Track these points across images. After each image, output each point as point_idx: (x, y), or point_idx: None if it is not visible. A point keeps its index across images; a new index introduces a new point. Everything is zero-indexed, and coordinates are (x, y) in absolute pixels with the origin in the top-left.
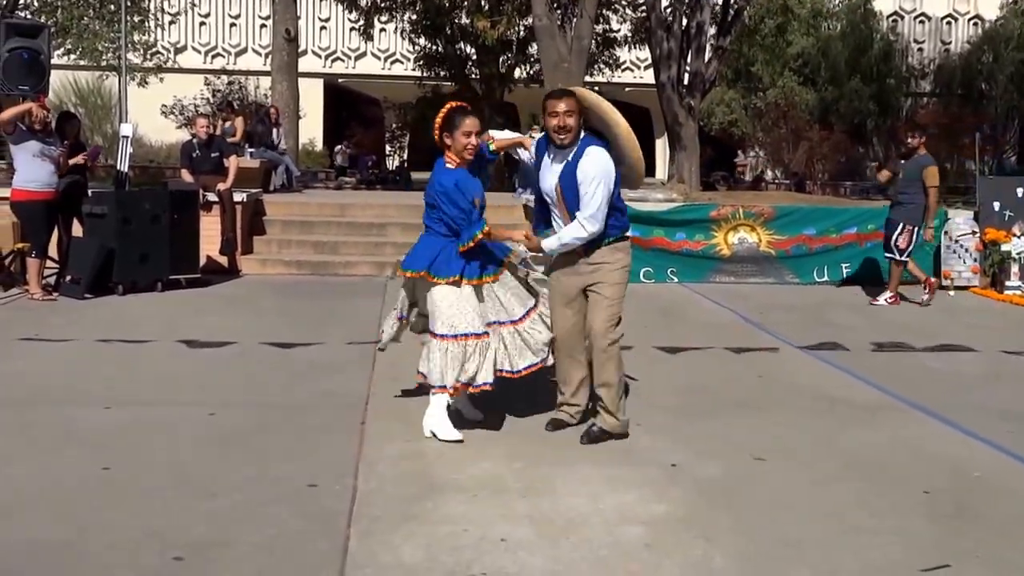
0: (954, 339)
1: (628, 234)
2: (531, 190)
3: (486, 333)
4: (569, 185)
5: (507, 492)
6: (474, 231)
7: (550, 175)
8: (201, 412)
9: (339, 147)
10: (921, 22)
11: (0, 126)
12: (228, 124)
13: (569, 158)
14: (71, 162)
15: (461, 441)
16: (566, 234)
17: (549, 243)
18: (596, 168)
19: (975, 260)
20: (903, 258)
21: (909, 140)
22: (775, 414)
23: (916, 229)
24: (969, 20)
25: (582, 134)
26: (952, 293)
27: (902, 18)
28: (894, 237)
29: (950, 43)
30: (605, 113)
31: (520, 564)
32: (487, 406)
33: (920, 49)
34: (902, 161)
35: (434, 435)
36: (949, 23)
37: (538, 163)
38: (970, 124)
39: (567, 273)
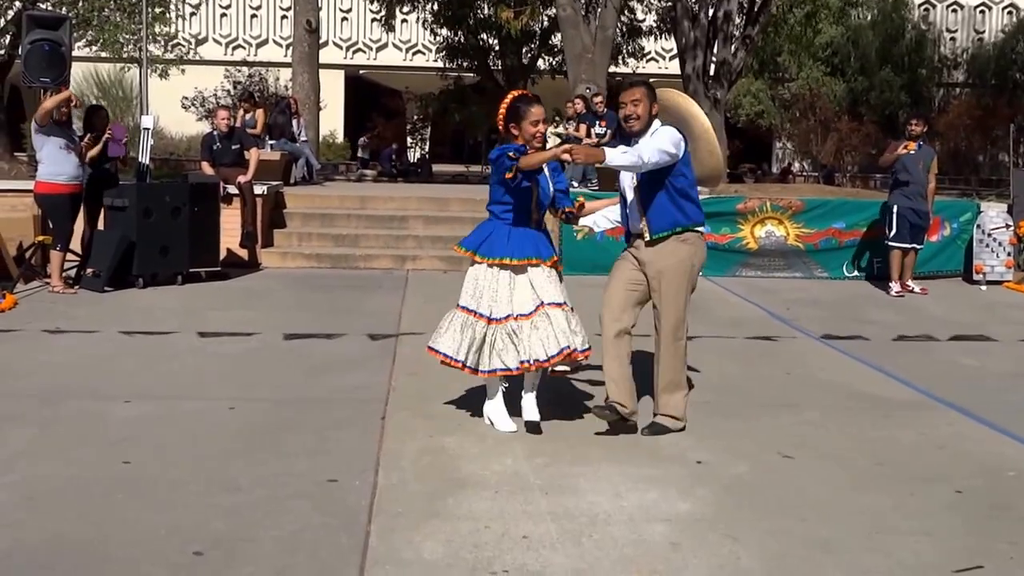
0: (987, 334)
1: (701, 229)
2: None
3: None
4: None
5: (529, 489)
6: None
7: None
8: (222, 406)
9: (363, 139)
10: (954, 11)
11: (40, 117)
12: (249, 116)
13: (648, 141)
14: (92, 152)
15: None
16: (620, 151)
17: (611, 152)
18: (665, 134)
19: (1008, 254)
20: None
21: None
22: (803, 411)
23: None
24: (1003, 8)
25: (656, 123)
26: (985, 288)
27: (934, 7)
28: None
29: (983, 32)
30: (688, 108)
31: (542, 562)
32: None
33: (953, 38)
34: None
35: (491, 423)
36: (983, 11)
37: None
38: (1004, 116)
39: (630, 256)
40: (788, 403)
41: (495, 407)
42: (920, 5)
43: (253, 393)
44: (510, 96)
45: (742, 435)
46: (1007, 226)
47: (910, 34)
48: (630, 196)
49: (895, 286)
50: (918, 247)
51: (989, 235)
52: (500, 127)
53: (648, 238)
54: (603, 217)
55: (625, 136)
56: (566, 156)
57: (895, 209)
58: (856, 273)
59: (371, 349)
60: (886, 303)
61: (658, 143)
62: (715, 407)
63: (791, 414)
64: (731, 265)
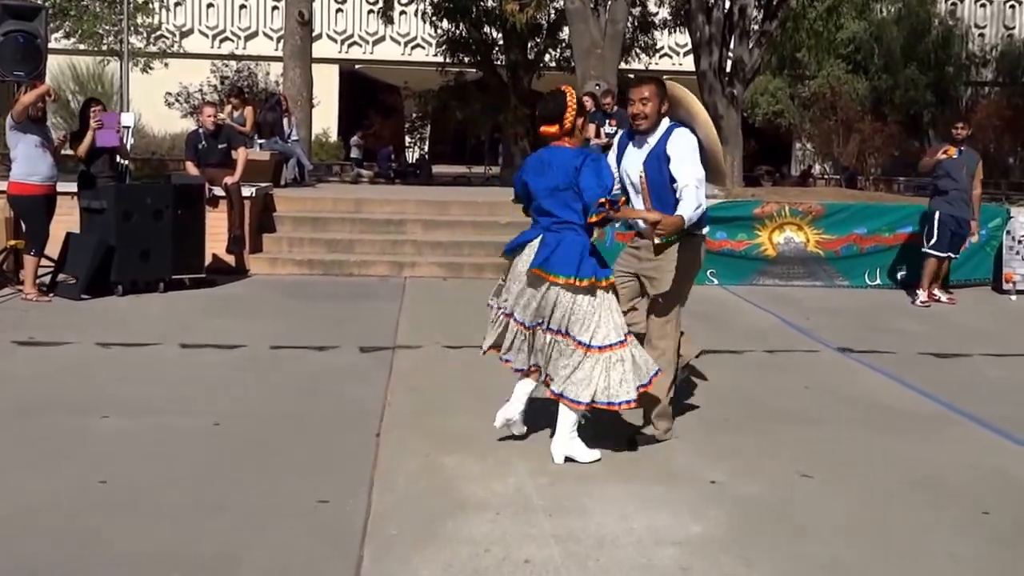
0: (1017, 346)
1: (705, 231)
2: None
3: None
4: (655, 168)
5: (532, 510)
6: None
7: (633, 161)
8: (206, 421)
9: (356, 138)
10: (982, 6)
11: (17, 114)
12: (237, 113)
13: (653, 143)
14: (83, 146)
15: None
16: (690, 205)
17: (685, 210)
18: (687, 143)
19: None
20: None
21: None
22: (822, 427)
23: None
24: None
25: (666, 122)
26: (1015, 297)
27: (962, 1)
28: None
29: (1014, 28)
30: (691, 106)
31: None
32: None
33: (981, 35)
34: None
35: (571, 460)
36: (1013, 7)
37: (621, 153)
38: None
39: (626, 262)
40: (807, 418)
41: (577, 441)
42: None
43: (240, 408)
44: (573, 92)
45: (758, 452)
46: None
47: (936, 30)
48: (635, 197)
49: (922, 295)
50: (954, 256)
51: (1020, 242)
52: (569, 121)
53: (658, 241)
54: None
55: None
56: (650, 224)
57: (936, 216)
58: (879, 281)
59: (366, 362)
60: (911, 313)
61: (692, 170)
62: (730, 423)
63: (810, 430)
64: (748, 273)
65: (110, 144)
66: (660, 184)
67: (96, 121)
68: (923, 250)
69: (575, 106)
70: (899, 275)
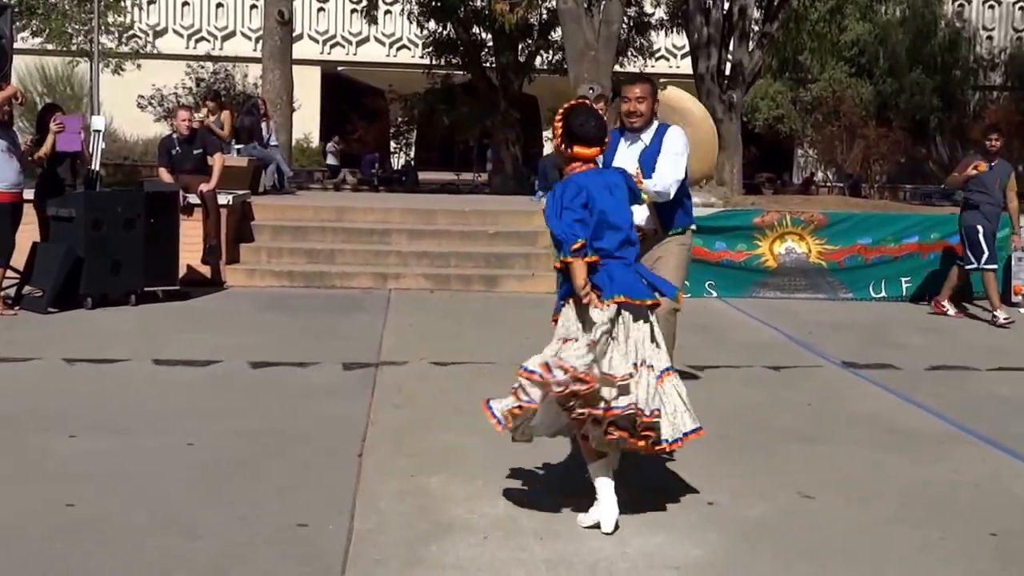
0: None
1: (695, 227)
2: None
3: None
4: (652, 166)
5: (522, 534)
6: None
7: (626, 159)
8: (180, 441)
9: (331, 143)
10: (991, 7)
11: None
12: (214, 118)
13: (647, 141)
14: (42, 151)
15: None
16: (654, 183)
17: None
18: (681, 140)
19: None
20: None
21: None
22: (826, 446)
23: None
24: None
25: (656, 121)
26: (1023, 310)
27: (969, 3)
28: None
29: (1023, 31)
30: (687, 113)
31: None
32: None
33: (989, 37)
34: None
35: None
36: (1022, 8)
37: (612, 152)
38: None
39: None
40: (809, 437)
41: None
42: (954, 1)
43: (215, 427)
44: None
45: (758, 473)
46: None
47: (943, 32)
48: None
49: (1001, 314)
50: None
51: None
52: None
53: (661, 235)
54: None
55: (625, 129)
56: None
57: (980, 231)
58: (884, 294)
59: (348, 378)
60: (917, 327)
61: (681, 165)
62: (729, 441)
63: (813, 449)
64: (748, 285)
65: (71, 149)
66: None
67: (57, 124)
68: (958, 263)
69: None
70: (905, 287)
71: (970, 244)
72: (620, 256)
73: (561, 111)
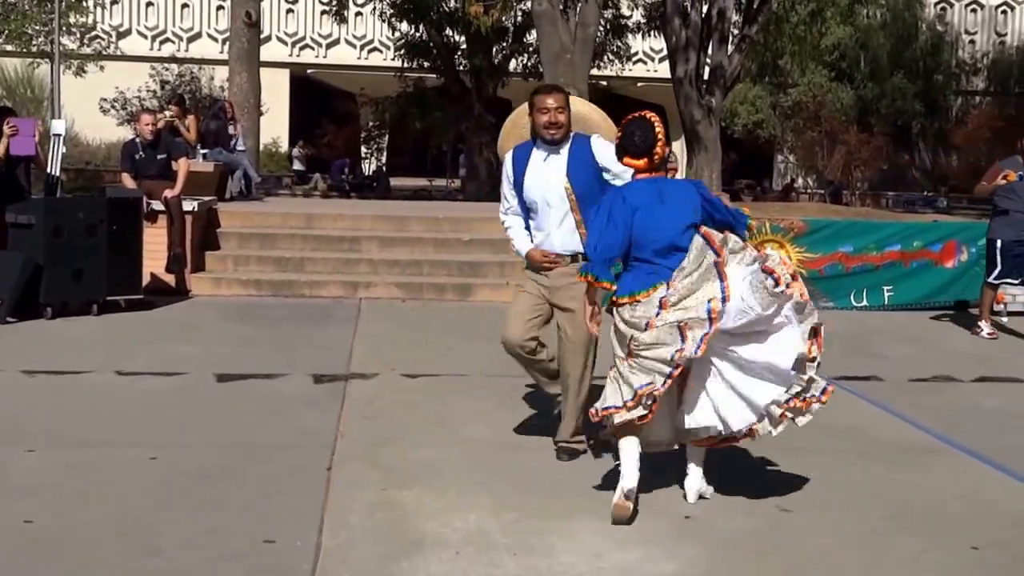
0: (1010, 373)
1: None
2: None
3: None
4: (586, 178)
5: (495, 549)
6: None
7: (549, 175)
8: (142, 455)
9: (297, 148)
10: (973, 10)
11: None
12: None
13: (565, 153)
14: None
15: None
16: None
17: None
18: (607, 150)
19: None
20: None
21: None
22: (806, 458)
23: None
24: None
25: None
26: (1006, 319)
27: (951, 6)
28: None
29: (1006, 35)
30: (594, 123)
31: None
32: (473, 450)
33: (972, 41)
34: None
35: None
36: (1005, 12)
37: (520, 172)
38: None
39: (537, 278)
40: (789, 448)
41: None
42: (936, 4)
43: (180, 440)
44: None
45: (736, 485)
46: None
47: (925, 36)
48: (547, 212)
49: (986, 327)
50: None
51: None
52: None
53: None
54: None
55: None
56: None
57: (999, 244)
58: (865, 303)
59: (317, 390)
60: (899, 337)
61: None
62: (706, 454)
63: (792, 461)
64: None
65: (25, 153)
66: (594, 194)
67: (11, 127)
68: (988, 280)
69: (664, 136)
70: (887, 296)
71: (988, 255)
72: (653, 262)
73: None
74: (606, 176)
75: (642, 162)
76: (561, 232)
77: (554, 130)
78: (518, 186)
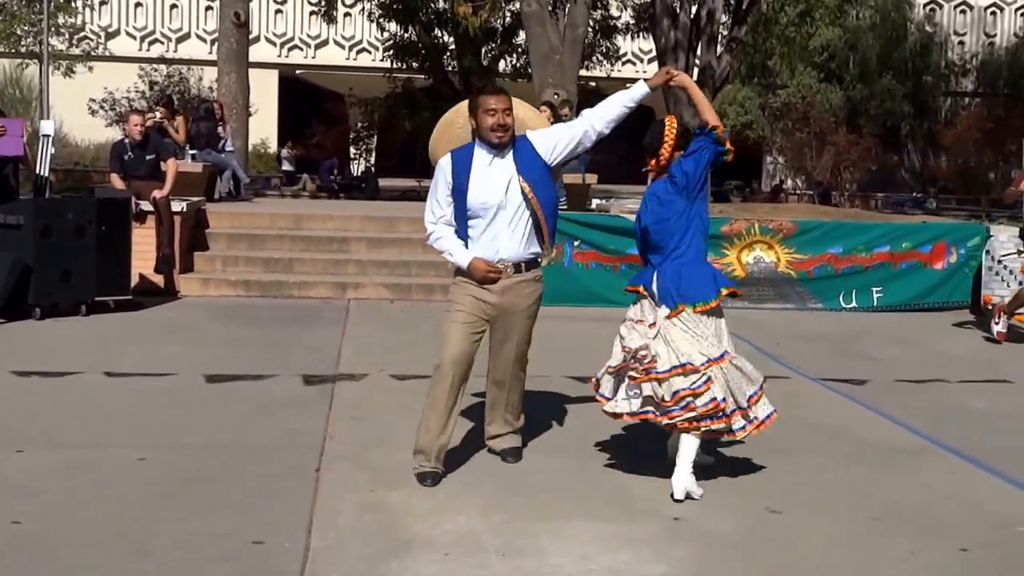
0: (998, 374)
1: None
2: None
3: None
4: (538, 176)
5: (484, 550)
6: None
7: (497, 178)
8: (131, 456)
9: (286, 149)
10: (962, 12)
11: None
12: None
13: (515, 154)
14: None
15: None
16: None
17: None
18: (544, 131)
19: (1021, 284)
20: None
21: None
22: (794, 460)
23: None
24: (1017, 10)
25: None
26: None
27: (940, 7)
28: None
29: (995, 36)
30: (519, 115)
31: None
32: (461, 451)
33: (961, 42)
34: None
35: (690, 496)
36: (994, 13)
37: (464, 177)
38: (1017, 128)
39: (476, 291)
40: (777, 450)
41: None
42: (925, 5)
43: (168, 441)
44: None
45: (725, 487)
46: (1019, 252)
47: (914, 37)
48: (498, 217)
49: (999, 326)
50: None
51: (999, 262)
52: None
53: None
54: None
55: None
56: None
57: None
58: (855, 304)
59: (306, 391)
60: (888, 339)
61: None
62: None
63: (780, 463)
64: None
65: (14, 153)
66: (547, 188)
67: None
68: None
69: (673, 139)
70: (876, 297)
71: None
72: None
73: None
74: (558, 133)
75: (651, 162)
76: (510, 238)
77: (501, 132)
78: (460, 192)
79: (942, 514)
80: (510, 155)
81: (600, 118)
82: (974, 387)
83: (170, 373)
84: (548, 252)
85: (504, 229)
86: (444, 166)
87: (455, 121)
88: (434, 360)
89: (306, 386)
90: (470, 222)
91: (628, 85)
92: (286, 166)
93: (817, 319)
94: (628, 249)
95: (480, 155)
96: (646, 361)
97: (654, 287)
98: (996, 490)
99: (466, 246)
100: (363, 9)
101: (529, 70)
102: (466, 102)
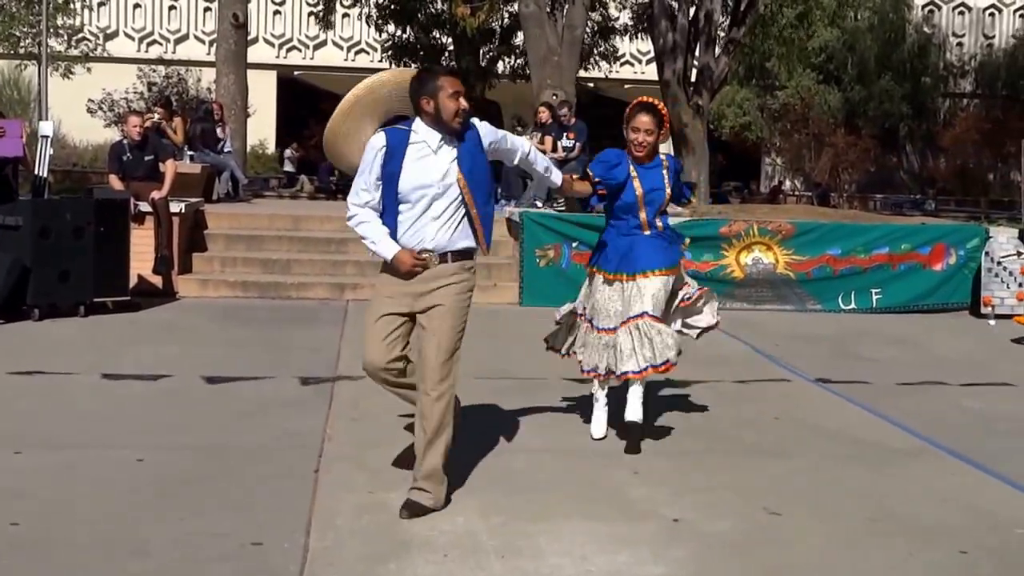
0: (997, 376)
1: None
2: (378, 195)
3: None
4: (476, 167)
5: (483, 551)
6: None
7: (437, 165)
8: (129, 457)
9: (290, 150)
10: (960, 13)
11: None
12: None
13: (460, 142)
14: None
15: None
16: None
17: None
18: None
19: (1020, 285)
20: None
21: None
22: (793, 461)
23: None
24: (1016, 11)
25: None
26: (993, 323)
27: (939, 8)
28: None
29: (993, 37)
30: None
31: None
32: (459, 452)
33: (959, 44)
34: None
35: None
36: (992, 14)
37: (398, 161)
38: (1016, 130)
39: (399, 285)
40: (776, 452)
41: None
42: (924, 6)
43: (166, 442)
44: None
45: (724, 488)
46: (1019, 254)
47: (912, 38)
48: (433, 203)
49: None
50: None
51: (999, 263)
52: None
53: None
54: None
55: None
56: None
57: None
58: (854, 305)
59: (304, 392)
60: (887, 340)
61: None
62: (694, 456)
63: (779, 464)
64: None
65: (13, 154)
66: (483, 182)
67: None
68: None
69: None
70: (875, 299)
71: None
72: None
73: None
74: (505, 134)
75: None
76: (440, 228)
77: (463, 118)
78: (392, 177)
79: (941, 516)
80: (457, 144)
81: (530, 159)
82: (973, 389)
83: (168, 374)
84: (484, 253)
85: (435, 219)
86: (376, 146)
87: (375, 94)
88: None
89: (304, 387)
90: (400, 207)
91: (626, 86)
92: (288, 167)
93: (816, 320)
94: None
95: (424, 137)
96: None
97: None
98: (995, 492)
99: (392, 235)
100: (361, 12)
101: (527, 71)
102: (380, 76)
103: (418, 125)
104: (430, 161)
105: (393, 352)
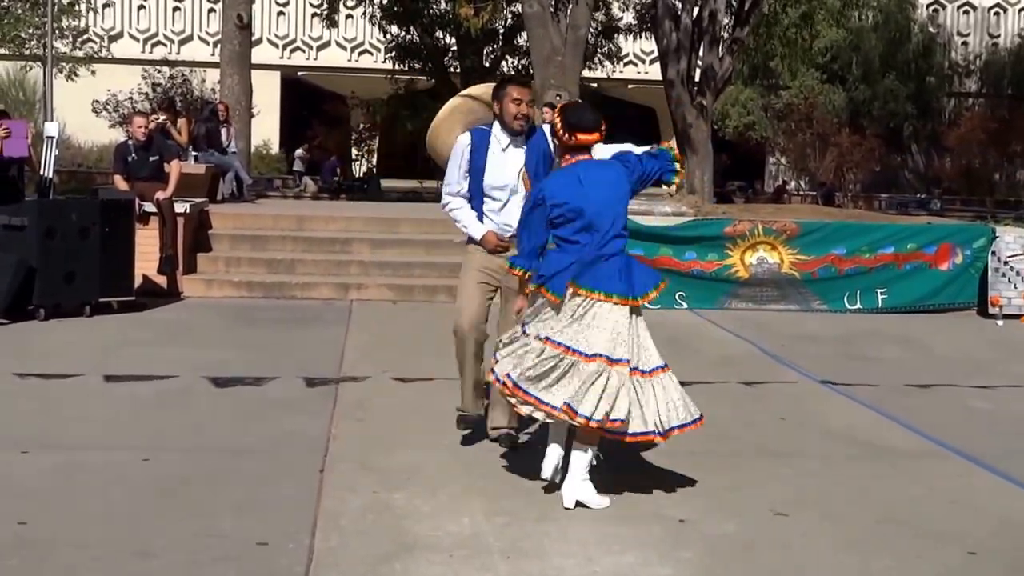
0: (1004, 376)
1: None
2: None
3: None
4: (539, 167)
5: (488, 552)
6: None
7: (509, 162)
8: (134, 457)
9: (300, 151)
10: (965, 12)
11: None
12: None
13: (528, 144)
14: None
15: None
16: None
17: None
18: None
19: None
20: None
21: None
22: (799, 462)
23: None
24: (1020, 10)
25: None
26: (1001, 323)
27: (944, 8)
28: None
29: (999, 36)
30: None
31: None
32: (465, 453)
33: (964, 43)
34: None
35: (581, 505)
36: (997, 13)
37: (481, 158)
38: (1021, 128)
39: (487, 260)
40: (782, 452)
41: (589, 484)
42: (929, 6)
43: (171, 443)
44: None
45: (730, 489)
46: None
47: (917, 38)
48: (507, 199)
49: None
50: None
51: (1006, 263)
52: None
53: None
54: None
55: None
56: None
57: None
58: (859, 305)
59: (309, 393)
60: (893, 340)
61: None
62: (700, 457)
63: (785, 465)
64: (718, 296)
65: (18, 155)
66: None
67: (3, 129)
68: None
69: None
70: (880, 299)
71: None
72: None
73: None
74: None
75: (595, 136)
76: (509, 216)
77: (523, 121)
78: (478, 172)
79: (949, 517)
80: (523, 145)
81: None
82: (981, 390)
83: (173, 374)
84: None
85: (504, 207)
86: (463, 143)
87: (462, 107)
88: (451, 325)
89: (309, 387)
90: (486, 199)
91: (630, 86)
92: (298, 166)
93: (821, 320)
94: (654, 254)
95: (498, 138)
96: None
97: None
98: (1003, 493)
99: (480, 220)
100: (364, 13)
101: (531, 71)
102: (474, 89)
103: (495, 127)
104: (505, 161)
105: (484, 315)
